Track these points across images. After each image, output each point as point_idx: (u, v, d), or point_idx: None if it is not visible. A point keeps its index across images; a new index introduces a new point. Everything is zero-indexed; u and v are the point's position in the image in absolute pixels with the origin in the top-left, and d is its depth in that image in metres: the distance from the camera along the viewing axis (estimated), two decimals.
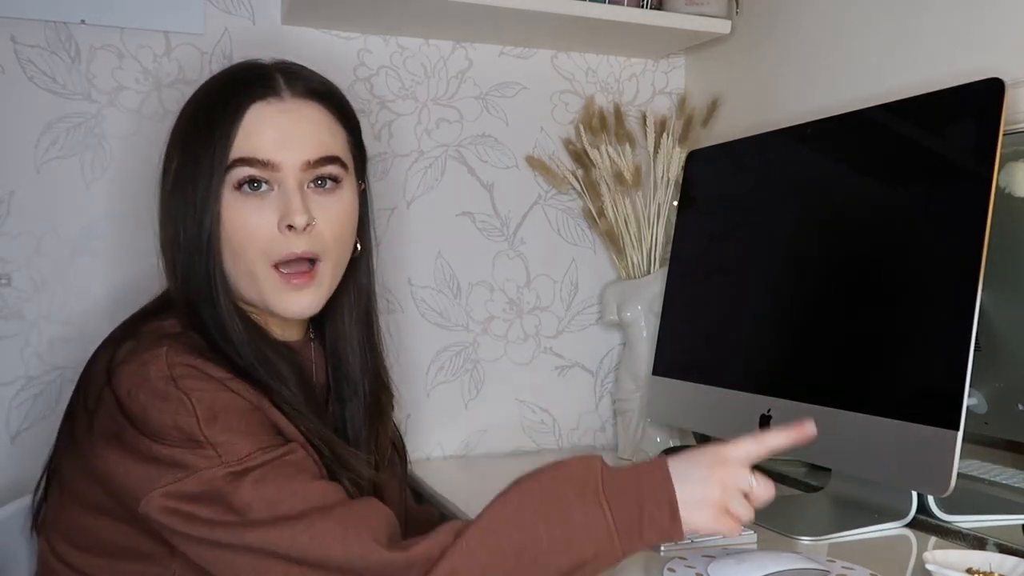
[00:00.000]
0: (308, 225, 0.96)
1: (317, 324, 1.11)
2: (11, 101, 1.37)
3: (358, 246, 1.07)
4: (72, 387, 0.99)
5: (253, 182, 0.95)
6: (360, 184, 1.07)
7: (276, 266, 0.97)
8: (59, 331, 1.38)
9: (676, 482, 0.87)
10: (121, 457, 0.89)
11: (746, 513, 0.87)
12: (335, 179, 1.00)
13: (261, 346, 0.98)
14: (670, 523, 0.85)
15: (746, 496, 0.88)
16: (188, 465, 0.86)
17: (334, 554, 0.83)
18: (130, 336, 0.95)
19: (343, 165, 1.01)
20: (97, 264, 1.41)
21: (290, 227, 0.95)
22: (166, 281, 1.01)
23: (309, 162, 0.97)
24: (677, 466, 0.88)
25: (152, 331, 0.95)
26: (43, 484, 1.01)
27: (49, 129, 1.39)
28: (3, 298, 1.37)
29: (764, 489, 0.88)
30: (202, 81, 1.40)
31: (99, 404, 0.91)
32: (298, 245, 0.96)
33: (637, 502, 0.86)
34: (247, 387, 0.92)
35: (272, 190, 0.96)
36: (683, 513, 0.85)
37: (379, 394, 1.13)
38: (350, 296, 1.09)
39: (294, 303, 0.98)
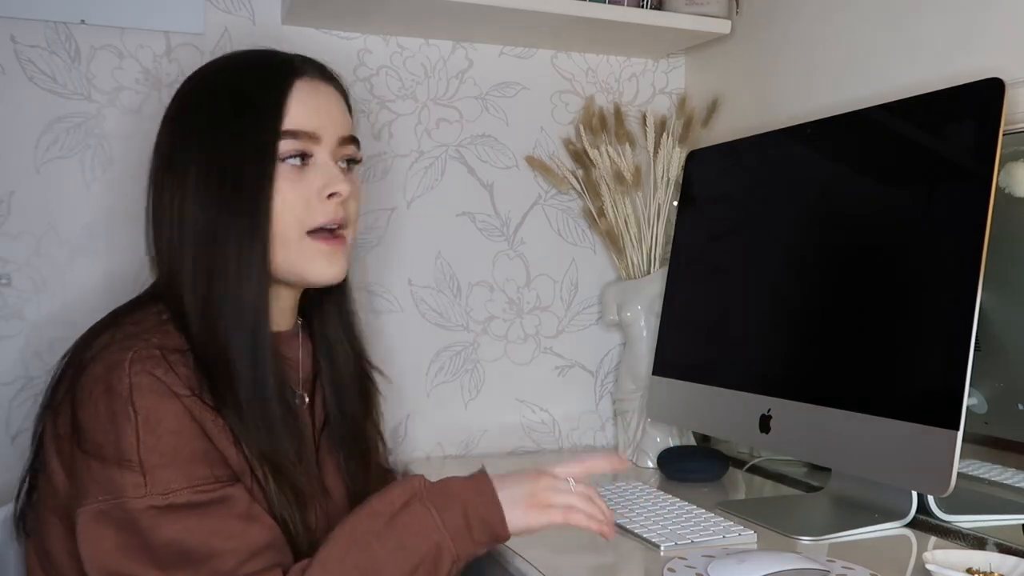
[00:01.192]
0: (348, 196, 1.03)
1: (303, 312, 1.13)
2: (11, 101, 1.37)
3: None
4: None
5: (298, 155, 1.00)
6: None
7: (308, 234, 1.01)
8: (59, 331, 1.38)
9: (496, 484, 0.93)
10: (67, 461, 0.90)
11: (564, 499, 0.94)
12: (356, 160, 1.07)
13: (266, 347, 0.98)
14: (496, 519, 0.91)
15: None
16: (116, 488, 0.87)
17: None
18: (109, 327, 0.95)
19: (359, 148, 1.08)
20: (97, 264, 1.41)
21: (331, 196, 1.01)
22: (159, 269, 1.01)
23: (343, 138, 1.04)
24: (496, 476, 0.94)
25: (131, 323, 0.95)
26: (25, 487, 1.01)
27: (49, 129, 1.39)
28: (3, 298, 1.37)
29: (583, 487, 0.96)
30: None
31: (63, 402, 0.92)
32: (337, 212, 1.02)
33: (460, 502, 0.91)
34: (202, 405, 0.91)
35: (310, 163, 1.01)
36: (506, 511, 0.91)
37: (364, 381, 1.16)
38: (335, 291, 1.13)
39: (330, 268, 1.03)
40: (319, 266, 1.02)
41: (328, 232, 1.02)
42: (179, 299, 0.97)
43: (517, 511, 0.92)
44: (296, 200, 0.99)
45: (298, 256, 1.00)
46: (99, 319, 1.00)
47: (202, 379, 0.93)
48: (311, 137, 1.00)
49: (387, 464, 1.25)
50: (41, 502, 0.98)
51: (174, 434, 0.89)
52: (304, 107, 1.00)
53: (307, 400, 1.10)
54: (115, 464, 0.87)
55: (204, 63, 1.08)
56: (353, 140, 1.06)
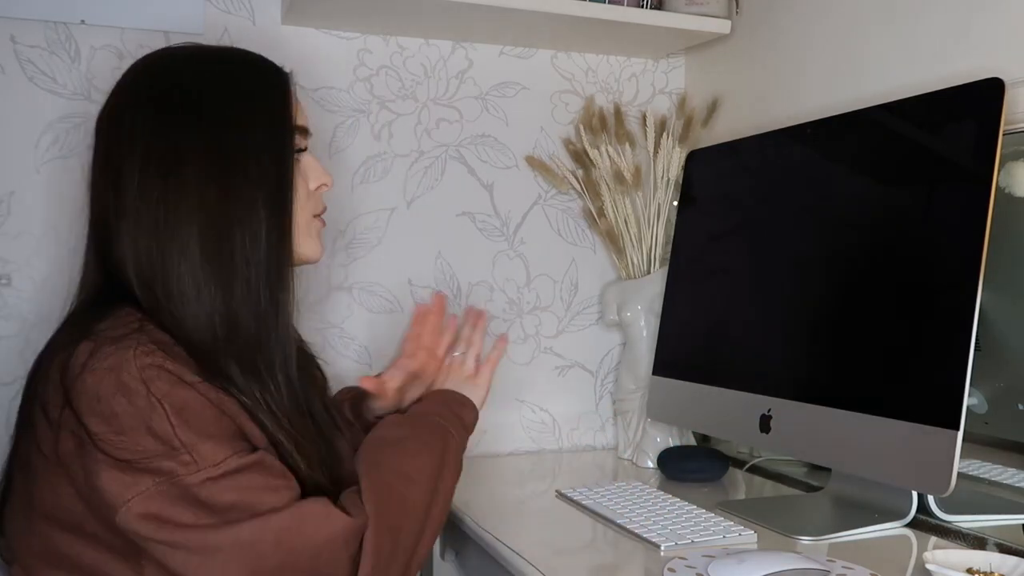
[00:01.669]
0: None
1: None
2: (11, 101, 1.37)
3: None
4: None
5: (300, 150, 1.08)
6: None
7: (315, 216, 1.12)
8: None
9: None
10: (94, 465, 0.88)
11: (487, 368, 1.27)
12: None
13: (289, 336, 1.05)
14: (470, 405, 1.19)
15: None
16: (166, 471, 0.87)
17: (302, 541, 0.91)
18: (84, 337, 0.92)
19: None
20: None
21: (321, 187, 1.11)
22: (137, 268, 0.98)
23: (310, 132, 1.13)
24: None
25: (109, 328, 0.93)
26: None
27: (49, 129, 1.39)
28: (3, 298, 1.37)
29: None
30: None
31: (62, 414, 0.90)
32: (324, 201, 1.14)
33: (451, 406, 1.17)
34: (211, 388, 0.93)
35: (303, 157, 1.09)
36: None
37: (311, 365, 1.23)
38: None
39: (320, 247, 1.13)
40: (314, 245, 1.11)
41: (320, 218, 1.13)
42: (175, 300, 0.96)
43: (466, 390, 1.21)
44: (301, 191, 1.08)
45: (307, 235, 1.09)
46: (56, 334, 1.00)
47: (206, 372, 0.94)
48: (304, 132, 1.09)
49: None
50: (33, 522, 0.95)
51: (201, 415, 0.91)
52: (298, 105, 1.09)
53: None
54: (155, 456, 0.88)
55: (153, 54, 1.08)
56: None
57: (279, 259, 1.01)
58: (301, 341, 1.23)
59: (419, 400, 1.22)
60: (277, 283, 1.01)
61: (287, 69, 1.10)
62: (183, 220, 0.97)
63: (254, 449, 0.94)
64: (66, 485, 0.92)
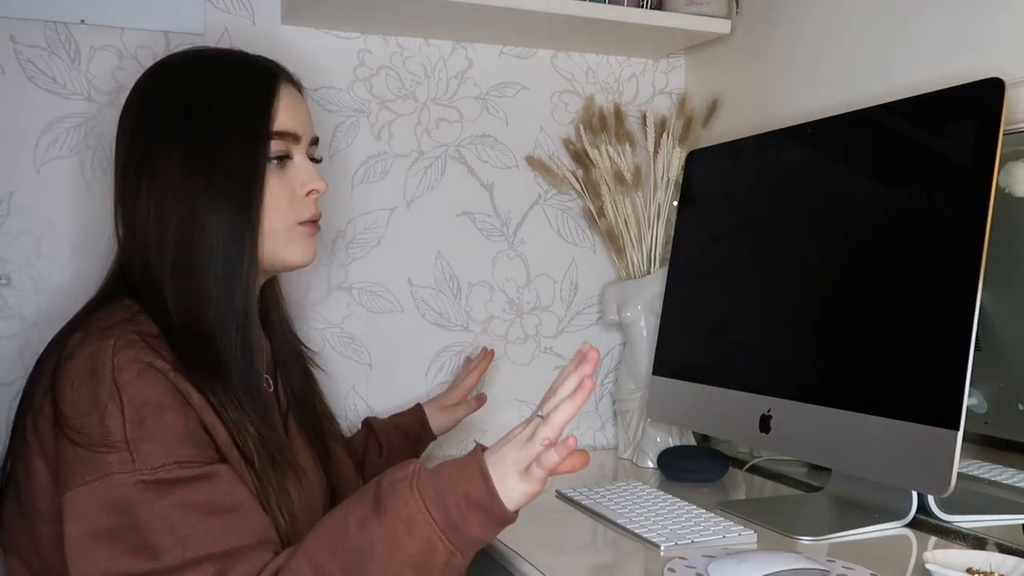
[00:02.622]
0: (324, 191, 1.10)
1: None
2: (11, 101, 1.37)
3: None
4: None
5: (282, 155, 1.06)
6: None
7: (300, 223, 1.08)
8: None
9: (488, 462, 0.84)
10: (61, 446, 0.90)
11: (550, 460, 0.82)
12: (318, 160, 1.13)
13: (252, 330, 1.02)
14: (487, 496, 0.82)
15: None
16: (103, 467, 0.87)
17: None
18: (78, 327, 0.97)
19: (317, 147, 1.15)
20: (97, 264, 1.40)
21: (310, 192, 1.08)
22: (131, 262, 1.02)
23: (314, 139, 1.12)
24: (489, 451, 0.86)
25: (101, 319, 0.97)
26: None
27: (49, 129, 1.39)
28: (3, 298, 1.37)
29: (567, 441, 0.83)
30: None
31: (44, 398, 0.93)
32: (317, 207, 1.10)
33: (453, 492, 0.83)
34: (186, 381, 0.93)
35: (289, 162, 1.07)
36: (500, 489, 0.83)
37: (305, 360, 1.23)
38: (275, 280, 1.20)
39: (307, 253, 1.10)
40: (301, 251, 1.09)
41: (311, 224, 1.10)
42: (159, 290, 0.99)
43: (511, 484, 0.84)
44: (281, 196, 1.05)
45: (289, 242, 1.07)
46: (69, 320, 1.03)
47: (181, 365, 0.95)
48: (293, 138, 1.07)
49: (343, 437, 1.31)
50: (24, 512, 0.97)
51: (159, 413, 0.90)
52: (288, 110, 1.06)
53: (270, 383, 1.13)
54: (102, 445, 0.88)
55: (161, 60, 1.10)
56: (317, 140, 1.14)
57: (237, 264, 1.00)
58: (297, 341, 1.23)
59: (436, 471, 0.87)
60: (233, 287, 1.00)
61: (291, 73, 1.10)
62: (165, 220, 1.00)
63: (214, 458, 0.92)
64: (43, 471, 0.94)
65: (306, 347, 1.26)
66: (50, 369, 0.94)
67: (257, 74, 1.07)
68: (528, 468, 0.83)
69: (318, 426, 1.17)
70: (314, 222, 1.10)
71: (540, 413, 0.85)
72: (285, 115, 1.06)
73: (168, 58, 1.10)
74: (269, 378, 1.13)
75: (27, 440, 0.96)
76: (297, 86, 1.12)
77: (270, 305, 1.18)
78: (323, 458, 1.15)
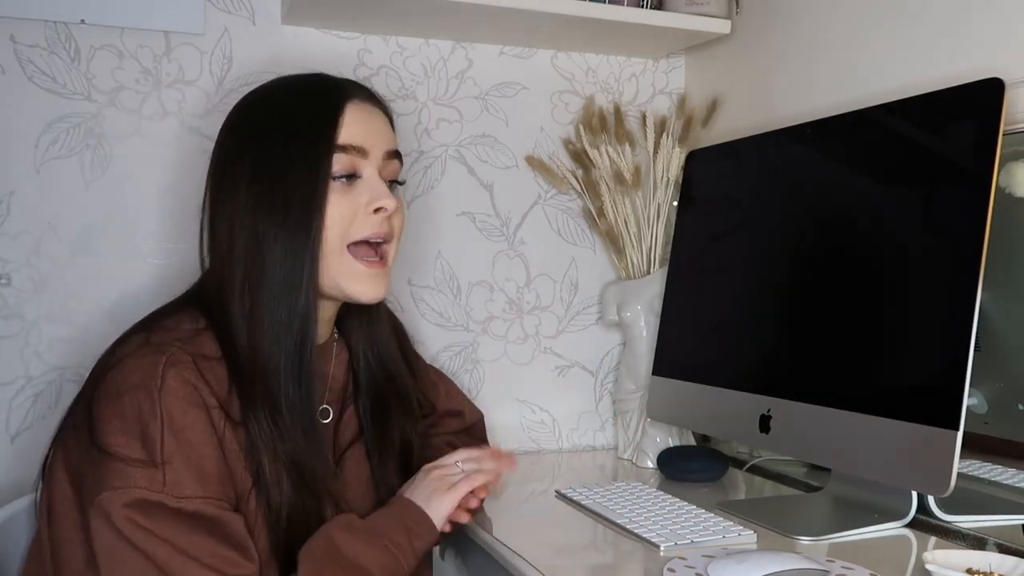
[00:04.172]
0: (394, 211, 1.05)
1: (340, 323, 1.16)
2: (11, 101, 1.37)
3: None
4: (72, 387, 1.00)
5: (348, 173, 1.03)
6: None
7: (349, 247, 1.03)
8: (59, 331, 1.38)
9: (411, 495, 1.07)
10: (75, 454, 0.92)
11: (458, 477, 1.08)
12: (400, 181, 1.11)
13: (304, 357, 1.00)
14: (427, 524, 1.04)
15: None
16: (133, 480, 0.88)
17: None
18: (143, 329, 0.98)
19: (402, 166, 1.10)
20: (97, 264, 1.41)
21: (378, 210, 1.03)
22: (210, 277, 1.04)
23: (388, 152, 1.07)
24: (402, 493, 1.08)
25: (165, 328, 0.98)
26: (41, 484, 1.02)
27: (49, 129, 1.39)
28: (3, 298, 1.37)
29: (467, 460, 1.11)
30: (202, 81, 1.42)
31: (94, 392, 0.94)
32: (382, 227, 1.05)
33: (400, 525, 1.03)
34: (226, 418, 0.94)
35: (357, 180, 1.04)
36: (426, 510, 1.04)
37: (389, 398, 1.17)
38: (374, 306, 1.15)
39: (373, 289, 1.05)
40: (362, 287, 1.04)
41: (370, 247, 1.05)
42: (225, 308, 0.99)
43: (432, 506, 1.05)
44: (345, 214, 1.02)
45: (340, 272, 1.03)
46: (113, 330, 1.03)
47: (233, 388, 0.96)
48: (360, 152, 1.04)
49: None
50: (55, 485, 0.98)
51: (195, 444, 0.91)
52: (355, 124, 1.04)
53: (331, 414, 1.11)
54: (136, 461, 0.88)
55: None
56: (397, 155, 1.09)
57: (294, 285, 0.99)
58: (394, 374, 1.18)
59: (389, 504, 1.07)
60: (291, 310, 0.99)
61: (371, 91, 1.09)
62: (234, 238, 1.00)
63: (232, 504, 0.94)
64: (65, 484, 0.95)
65: (409, 377, 1.22)
66: (105, 365, 0.95)
67: (324, 90, 1.06)
68: (440, 489, 1.08)
69: (387, 457, 1.15)
70: (377, 248, 1.05)
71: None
72: (351, 129, 1.03)
73: (255, 89, 1.11)
74: (331, 407, 1.12)
75: (56, 456, 0.97)
76: (379, 104, 1.10)
77: (357, 331, 1.16)
78: (381, 488, 1.14)
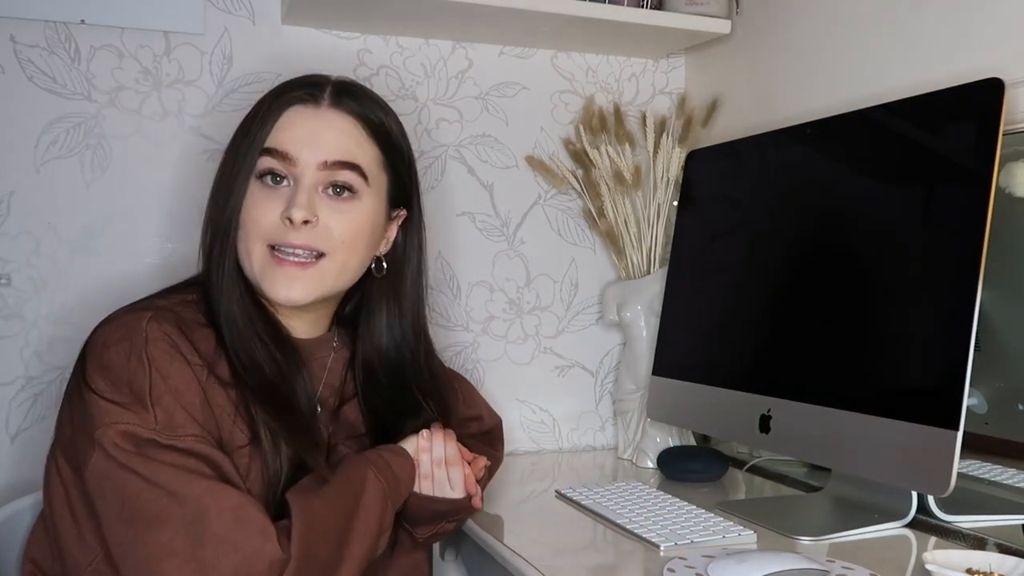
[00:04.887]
0: (307, 222, 1.02)
1: (349, 326, 1.19)
2: (11, 101, 1.37)
3: (384, 264, 1.14)
4: None
5: (273, 174, 1.04)
6: (399, 210, 1.15)
7: (272, 247, 1.04)
8: (59, 331, 1.38)
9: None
10: (79, 396, 0.95)
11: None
12: (350, 188, 1.06)
13: (254, 330, 1.04)
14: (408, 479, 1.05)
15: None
16: (123, 417, 0.90)
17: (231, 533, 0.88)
18: (133, 304, 1.03)
19: (362, 176, 1.06)
20: (97, 264, 1.41)
21: (289, 220, 1.02)
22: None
23: (326, 162, 1.04)
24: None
25: (158, 299, 1.03)
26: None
27: (49, 129, 1.39)
28: (3, 298, 1.37)
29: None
30: (202, 81, 1.43)
31: (82, 357, 0.98)
32: (297, 238, 1.03)
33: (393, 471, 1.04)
34: (211, 376, 0.98)
35: (287, 186, 1.04)
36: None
37: (393, 402, 1.16)
38: (390, 312, 1.16)
39: (283, 289, 1.04)
40: (277, 284, 1.04)
41: (286, 253, 1.03)
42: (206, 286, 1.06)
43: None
44: (263, 217, 1.03)
45: (258, 266, 1.04)
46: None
47: (222, 356, 1.00)
48: (284, 157, 1.04)
49: None
50: (54, 470, 1.00)
51: (181, 390, 0.94)
52: (289, 129, 1.05)
53: (319, 409, 1.11)
54: (127, 402, 0.91)
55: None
56: (349, 166, 1.05)
57: (220, 272, 1.05)
58: (405, 386, 1.17)
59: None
60: (226, 296, 1.04)
61: (338, 98, 1.08)
62: (204, 226, 1.09)
63: (219, 446, 0.95)
64: (58, 443, 0.99)
65: (425, 383, 1.19)
66: (87, 342, 0.99)
67: (280, 91, 1.08)
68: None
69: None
70: (291, 256, 1.03)
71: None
72: (283, 134, 1.04)
73: None
74: (324, 402, 1.12)
75: (56, 439, 1.00)
76: (347, 111, 1.07)
77: (361, 333, 1.16)
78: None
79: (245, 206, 1.04)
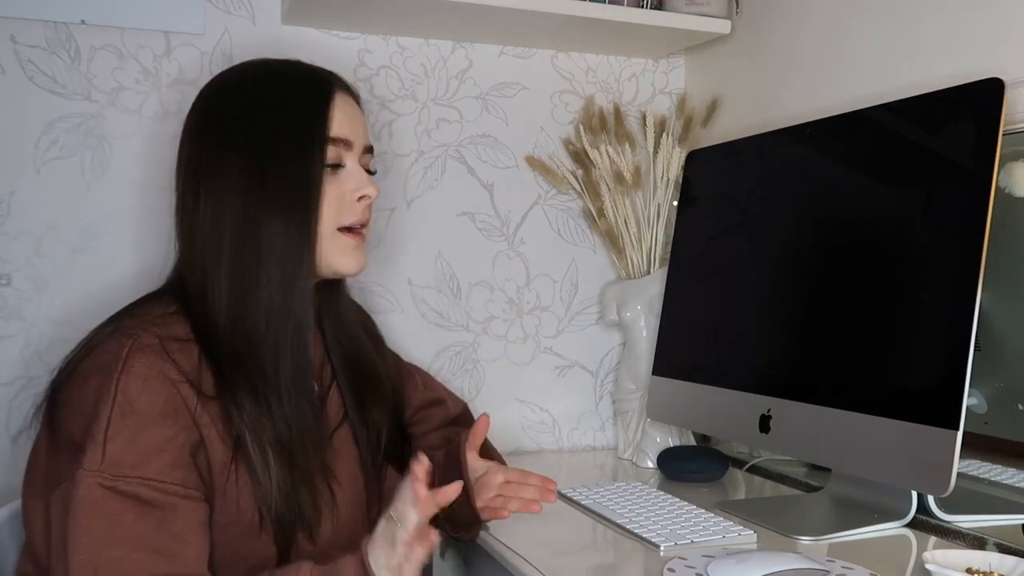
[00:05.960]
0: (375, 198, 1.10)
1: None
2: (11, 101, 1.37)
3: None
4: None
5: (335, 163, 1.07)
6: None
7: (340, 230, 1.08)
8: (59, 331, 1.38)
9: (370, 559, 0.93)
10: (52, 440, 0.94)
11: (417, 558, 0.92)
12: (372, 172, 1.14)
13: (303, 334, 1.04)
14: None
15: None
16: (77, 463, 0.89)
17: None
18: (116, 318, 1.01)
19: (372, 157, 1.15)
20: (97, 264, 1.41)
21: (362, 198, 1.09)
22: (186, 264, 1.05)
23: (367, 146, 1.12)
24: (368, 548, 0.94)
25: (133, 315, 1.00)
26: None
27: (49, 129, 1.39)
28: (3, 298, 1.37)
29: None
30: (202, 81, 1.41)
31: (63, 383, 0.96)
32: (365, 213, 1.11)
33: None
34: (197, 394, 0.95)
35: (342, 169, 1.08)
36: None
37: (362, 380, 1.18)
38: (346, 296, 1.20)
39: (357, 262, 1.10)
40: (350, 260, 1.09)
41: (356, 229, 1.10)
42: (209, 292, 1.01)
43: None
44: (333, 202, 1.06)
45: (333, 250, 1.07)
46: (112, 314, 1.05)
47: (205, 369, 0.97)
48: (346, 144, 1.08)
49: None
50: (28, 493, 1.00)
51: (145, 425, 0.91)
52: (343, 117, 1.08)
53: (316, 389, 1.12)
54: (83, 442, 0.89)
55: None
56: (371, 150, 1.14)
57: (294, 269, 1.02)
58: (363, 352, 1.20)
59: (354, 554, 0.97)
60: (290, 292, 1.02)
61: (348, 83, 1.11)
62: (221, 223, 1.02)
63: (188, 489, 0.93)
64: (34, 465, 0.98)
65: (379, 362, 1.23)
66: (70, 360, 0.98)
67: (314, 82, 1.09)
68: (401, 568, 0.92)
69: (369, 439, 1.16)
70: (359, 230, 1.10)
71: (392, 513, 0.93)
72: (340, 122, 1.07)
73: (229, 69, 1.12)
74: (315, 384, 1.12)
75: (32, 457, 1.00)
76: (354, 96, 1.13)
77: (324, 311, 1.17)
78: (370, 470, 1.15)
79: (323, 197, 1.05)
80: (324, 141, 1.05)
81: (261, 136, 1.04)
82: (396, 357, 1.33)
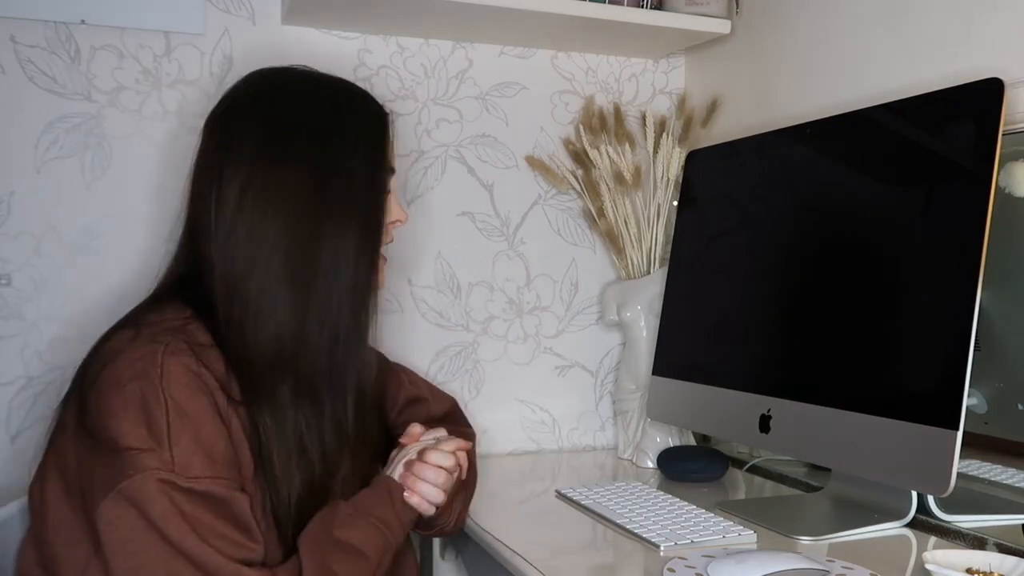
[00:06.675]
0: None
1: None
2: (11, 101, 1.37)
3: None
4: None
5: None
6: None
7: None
8: (59, 331, 1.38)
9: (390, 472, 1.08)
10: (81, 449, 0.93)
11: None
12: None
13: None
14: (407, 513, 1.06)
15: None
16: (145, 464, 0.89)
17: None
18: (127, 326, 0.99)
19: None
20: (97, 264, 1.41)
21: (395, 222, 1.14)
22: (207, 270, 1.02)
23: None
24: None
25: (151, 322, 0.99)
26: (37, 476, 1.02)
27: (49, 129, 1.39)
28: (3, 298, 1.37)
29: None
30: (202, 81, 1.41)
31: (91, 388, 0.94)
32: (392, 235, 1.16)
33: (382, 496, 1.06)
34: (228, 401, 0.96)
35: (389, 195, 1.12)
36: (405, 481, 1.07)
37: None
38: None
39: (382, 279, 1.13)
40: (382, 277, 1.12)
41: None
42: (239, 303, 0.99)
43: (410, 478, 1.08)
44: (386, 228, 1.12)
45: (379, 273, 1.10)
46: (119, 319, 1.03)
47: (230, 372, 0.98)
48: (393, 172, 1.13)
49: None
50: (48, 489, 0.98)
51: (201, 427, 0.92)
52: (392, 148, 1.12)
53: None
54: (145, 447, 0.89)
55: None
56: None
57: (366, 286, 1.05)
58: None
59: (372, 484, 1.09)
60: (362, 307, 1.04)
61: (387, 111, 1.13)
62: (275, 237, 1.00)
63: (239, 484, 0.95)
64: (53, 465, 0.96)
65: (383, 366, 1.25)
66: (97, 362, 0.96)
67: (373, 111, 1.11)
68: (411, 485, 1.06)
69: (365, 452, 1.16)
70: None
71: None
72: (392, 150, 1.12)
73: (285, 73, 1.10)
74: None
75: (68, 427, 0.97)
76: None
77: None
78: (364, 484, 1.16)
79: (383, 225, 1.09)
80: (389, 170, 1.10)
81: (329, 160, 1.04)
82: (381, 356, 1.32)
